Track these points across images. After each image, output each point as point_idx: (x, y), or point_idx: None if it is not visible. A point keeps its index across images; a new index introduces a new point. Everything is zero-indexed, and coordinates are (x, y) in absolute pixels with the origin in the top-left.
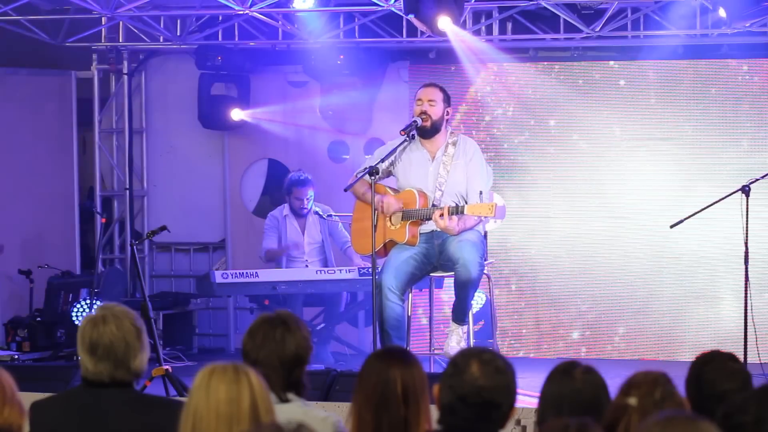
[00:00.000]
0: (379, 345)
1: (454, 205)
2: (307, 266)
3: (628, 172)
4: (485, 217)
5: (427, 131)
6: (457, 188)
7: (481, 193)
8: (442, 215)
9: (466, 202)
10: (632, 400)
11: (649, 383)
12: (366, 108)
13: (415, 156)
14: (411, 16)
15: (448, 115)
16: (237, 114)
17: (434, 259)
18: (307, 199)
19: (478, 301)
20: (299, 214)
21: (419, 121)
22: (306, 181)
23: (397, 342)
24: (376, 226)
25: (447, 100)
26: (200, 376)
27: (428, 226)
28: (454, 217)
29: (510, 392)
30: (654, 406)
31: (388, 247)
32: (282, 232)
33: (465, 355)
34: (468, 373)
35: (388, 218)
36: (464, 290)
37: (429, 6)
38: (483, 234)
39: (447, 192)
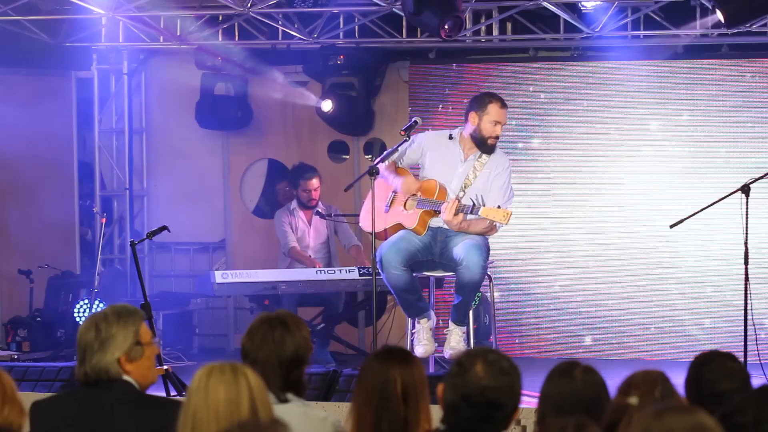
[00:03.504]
0: (404, 310)
1: (471, 203)
2: (311, 258)
3: (628, 172)
4: (498, 223)
5: (491, 148)
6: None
7: (498, 207)
8: (448, 208)
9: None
10: (633, 400)
11: (648, 383)
12: (366, 108)
13: (449, 152)
14: (412, 17)
15: None
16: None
17: (435, 254)
18: (315, 189)
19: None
20: (308, 206)
21: (419, 122)
22: (311, 169)
23: (420, 303)
24: (374, 225)
25: None
26: (198, 377)
27: (437, 222)
28: (461, 215)
29: (514, 393)
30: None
31: (395, 229)
32: (293, 225)
33: (470, 355)
34: (472, 372)
35: (403, 203)
36: (466, 292)
37: (432, 9)
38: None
39: (469, 195)
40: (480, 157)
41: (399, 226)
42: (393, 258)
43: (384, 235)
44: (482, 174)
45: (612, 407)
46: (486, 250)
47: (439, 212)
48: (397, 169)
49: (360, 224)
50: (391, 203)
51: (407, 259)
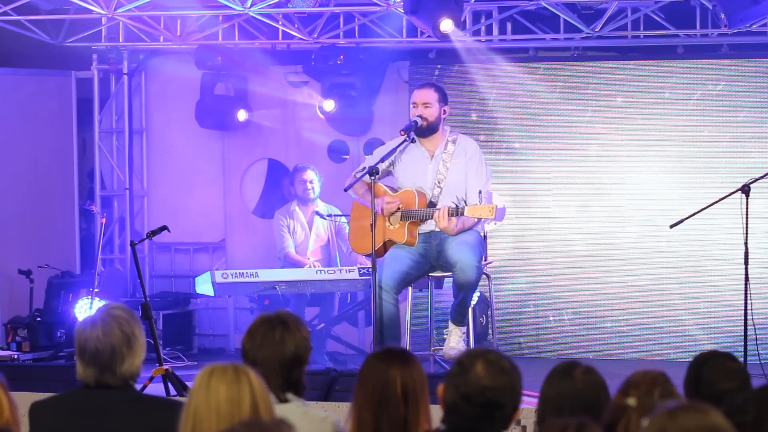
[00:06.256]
0: (376, 344)
1: (454, 205)
2: (309, 261)
3: (628, 172)
4: (485, 219)
5: (423, 131)
6: (457, 187)
7: (480, 192)
8: (441, 216)
9: (466, 203)
10: (631, 401)
11: (648, 383)
12: (366, 108)
13: (415, 154)
14: (412, 17)
15: (444, 114)
16: (242, 115)
17: (432, 259)
18: (311, 181)
19: (473, 298)
20: (306, 199)
21: (419, 121)
22: (304, 167)
23: (391, 341)
24: (374, 226)
25: (443, 99)
26: (200, 377)
27: (427, 226)
28: (454, 218)
29: (514, 393)
30: (653, 406)
31: (387, 246)
32: (291, 228)
33: (470, 355)
34: (473, 372)
35: (387, 218)
36: (463, 292)
37: (430, 7)
38: (483, 235)
39: (446, 190)
40: (446, 149)
41: (391, 243)
42: (386, 283)
43: (382, 251)
44: (453, 165)
45: (611, 407)
46: (479, 247)
47: (424, 221)
48: (369, 187)
49: (353, 249)
50: (375, 221)
51: (402, 281)
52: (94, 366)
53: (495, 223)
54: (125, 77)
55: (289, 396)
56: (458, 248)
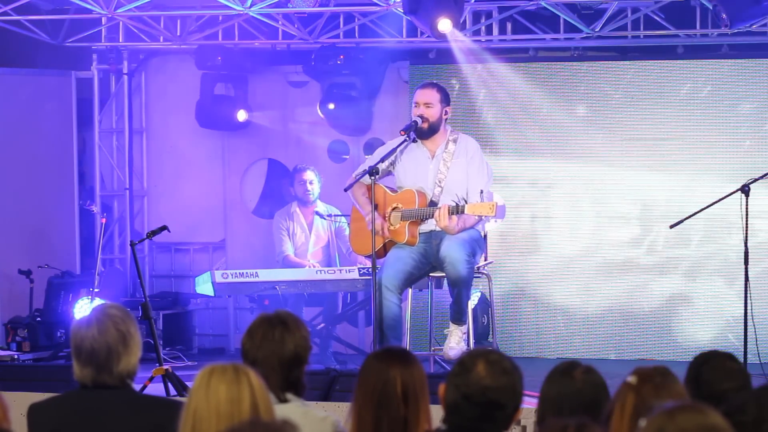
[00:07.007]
0: (376, 344)
1: (454, 204)
2: (308, 263)
3: (628, 171)
4: (486, 216)
5: (424, 132)
6: (457, 186)
7: (482, 192)
8: (442, 215)
9: (466, 202)
10: (632, 378)
11: (650, 369)
12: (366, 108)
13: (415, 154)
14: (411, 17)
15: (446, 114)
16: (242, 115)
17: (432, 258)
18: (311, 182)
19: (472, 298)
20: (306, 201)
21: (419, 121)
22: (304, 168)
23: (393, 341)
24: (374, 226)
25: (445, 99)
26: (200, 377)
27: (427, 226)
28: (454, 217)
29: (515, 394)
30: (653, 390)
31: (388, 247)
32: (291, 230)
33: (472, 355)
34: (474, 372)
35: (387, 218)
36: (456, 289)
37: (429, 7)
38: (483, 234)
39: (446, 189)
40: (447, 148)
41: (391, 243)
42: (390, 282)
43: (382, 252)
44: (454, 164)
45: (613, 400)
46: (471, 243)
47: (425, 220)
48: (369, 188)
49: (352, 250)
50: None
51: (405, 281)
52: (90, 366)
53: (497, 221)
54: (125, 77)
55: (289, 396)
56: (448, 245)
